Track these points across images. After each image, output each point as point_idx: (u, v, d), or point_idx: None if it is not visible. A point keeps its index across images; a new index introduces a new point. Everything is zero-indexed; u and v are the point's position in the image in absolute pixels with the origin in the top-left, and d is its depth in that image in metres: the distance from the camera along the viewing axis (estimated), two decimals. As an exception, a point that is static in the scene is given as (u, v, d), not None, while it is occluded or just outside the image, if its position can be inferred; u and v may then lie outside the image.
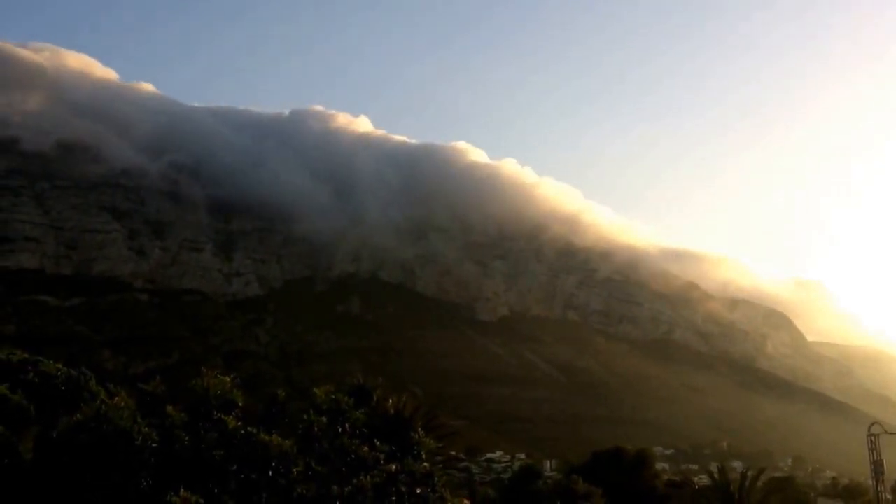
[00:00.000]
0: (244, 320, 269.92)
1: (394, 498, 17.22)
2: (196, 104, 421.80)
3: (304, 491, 16.79)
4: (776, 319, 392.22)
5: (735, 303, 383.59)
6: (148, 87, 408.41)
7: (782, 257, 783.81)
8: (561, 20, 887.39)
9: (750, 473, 56.28)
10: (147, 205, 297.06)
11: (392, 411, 25.70)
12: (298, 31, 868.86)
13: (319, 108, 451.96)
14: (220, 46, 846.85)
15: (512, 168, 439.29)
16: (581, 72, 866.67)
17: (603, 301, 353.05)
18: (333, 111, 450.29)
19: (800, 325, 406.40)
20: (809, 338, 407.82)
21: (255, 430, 17.14)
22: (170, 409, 17.51)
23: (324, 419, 18.63)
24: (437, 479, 18.91)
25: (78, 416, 16.73)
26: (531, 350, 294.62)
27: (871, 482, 57.56)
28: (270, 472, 16.60)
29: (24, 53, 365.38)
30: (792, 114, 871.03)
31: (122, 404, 17.29)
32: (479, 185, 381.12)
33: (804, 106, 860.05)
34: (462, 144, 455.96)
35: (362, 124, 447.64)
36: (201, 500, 14.94)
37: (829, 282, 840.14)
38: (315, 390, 19.69)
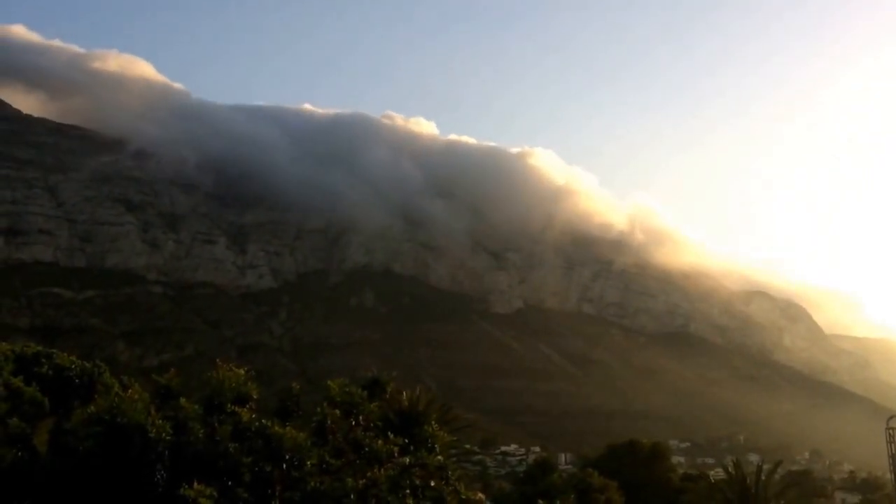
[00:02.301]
0: (258, 313, 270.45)
1: (408, 491, 17.17)
2: (217, 101, 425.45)
3: (318, 484, 16.78)
4: (793, 312, 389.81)
5: (752, 295, 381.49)
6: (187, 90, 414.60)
7: (799, 252, 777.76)
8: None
9: (766, 467, 55.97)
10: (160, 197, 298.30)
11: (406, 404, 25.61)
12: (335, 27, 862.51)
13: (363, 111, 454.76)
14: (241, 44, 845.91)
15: (523, 158, 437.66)
16: (582, 62, 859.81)
17: (618, 293, 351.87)
18: (381, 109, 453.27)
19: (817, 317, 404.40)
20: (827, 331, 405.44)
21: (268, 423, 17.12)
22: (184, 401, 17.52)
23: (337, 412, 18.62)
24: (451, 472, 18.87)
25: (92, 408, 16.76)
26: (546, 343, 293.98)
27: (889, 476, 57.14)
28: (284, 465, 16.59)
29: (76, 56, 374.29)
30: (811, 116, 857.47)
31: (137, 397, 17.31)
32: (487, 178, 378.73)
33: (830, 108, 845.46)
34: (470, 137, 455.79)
35: (398, 119, 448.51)
36: (215, 493, 14.93)
37: (846, 275, 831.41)
38: (329, 383, 19.68)
